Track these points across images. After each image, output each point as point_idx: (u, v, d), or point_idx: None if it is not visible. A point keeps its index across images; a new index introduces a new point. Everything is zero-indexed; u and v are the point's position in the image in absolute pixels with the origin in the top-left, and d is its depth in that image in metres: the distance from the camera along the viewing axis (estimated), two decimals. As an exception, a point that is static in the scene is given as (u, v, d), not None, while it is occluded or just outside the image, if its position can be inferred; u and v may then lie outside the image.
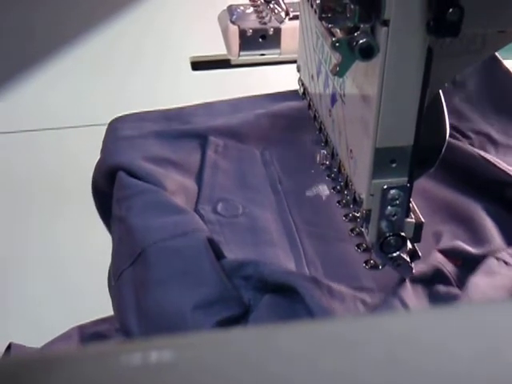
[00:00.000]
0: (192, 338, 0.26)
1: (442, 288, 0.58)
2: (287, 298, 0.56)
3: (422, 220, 0.52)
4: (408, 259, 0.54)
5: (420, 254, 0.56)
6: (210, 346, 0.25)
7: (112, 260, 0.66)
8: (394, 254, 0.53)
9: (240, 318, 0.56)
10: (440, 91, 0.51)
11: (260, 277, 0.58)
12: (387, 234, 0.51)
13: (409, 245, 0.53)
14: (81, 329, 0.82)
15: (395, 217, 0.51)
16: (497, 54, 0.75)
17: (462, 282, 0.58)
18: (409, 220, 0.52)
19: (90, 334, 0.81)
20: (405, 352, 0.25)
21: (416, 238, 0.53)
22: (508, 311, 0.28)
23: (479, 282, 0.57)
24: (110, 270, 0.67)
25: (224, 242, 0.64)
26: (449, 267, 0.60)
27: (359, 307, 0.57)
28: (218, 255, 0.60)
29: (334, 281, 0.58)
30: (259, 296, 0.57)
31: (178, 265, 0.59)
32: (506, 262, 0.59)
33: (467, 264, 0.60)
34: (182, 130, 0.75)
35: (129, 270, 0.61)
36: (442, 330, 0.26)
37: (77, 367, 0.24)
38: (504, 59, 0.79)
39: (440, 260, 0.60)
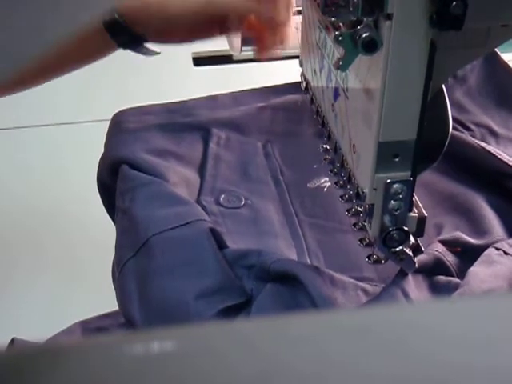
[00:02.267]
0: (194, 328, 0.26)
1: (442, 278, 0.58)
2: (289, 287, 0.57)
3: (425, 214, 0.52)
4: (411, 253, 0.54)
5: (423, 247, 0.56)
6: (211, 336, 0.25)
7: (116, 251, 0.66)
8: (397, 249, 0.53)
9: (242, 307, 0.57)
10: (443, 86, 0.51)
11: (262, 266, 0.58)
12: (390, 229, 0.51)
13: (412, 239, 0.53)
14: (83, 324, 0.82)
15: (398, 211, 0.51)
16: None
17: (462, 272, 0.58)
18: (412, 214, 0.52)
19: (93, 329, 0.81)
20: (412, 341, 0.25)
21: (419, 233, 0.53)
22: (509, 303, 0.28)
23: (478, 271, 0.57)
24: (113, 262, 0.67)
25: (226, 233, 0.64)
26: (449, 257, 0.60)
27: (361, 296, 0.57)
28: (221, 245, 0.61)
29: (336, 271, 0.59)
30: (261, 285, 0.58)
31: (180, 254, 0.59)
32: (505, 252, 0.59)
33: (468, 254, 0.60)
34: (185, 122, 0.76)
35: (132, 260, 0.62)
36: (447, 320, 0.26)
37: (80, 358, 0.24)
38: (502, 52, 0.79)
39: (441, 250, 0.60)
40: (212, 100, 0.80)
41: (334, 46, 0.55)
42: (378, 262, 0.57)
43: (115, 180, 0.70)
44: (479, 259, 0.59)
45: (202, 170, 0.71)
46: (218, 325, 0.26)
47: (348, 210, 0.59)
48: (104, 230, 0.76)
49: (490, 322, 0.26)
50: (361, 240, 0.58)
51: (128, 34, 0.64)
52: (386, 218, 0.51)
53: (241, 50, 0.81)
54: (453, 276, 0.59)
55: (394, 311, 0.27)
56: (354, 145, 0.54)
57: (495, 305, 0.27)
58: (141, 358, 0.23)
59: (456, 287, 0.56)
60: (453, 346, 0.25)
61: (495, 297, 0.29)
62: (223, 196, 0.69)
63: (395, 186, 0.50)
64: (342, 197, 0.61)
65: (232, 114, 0.77)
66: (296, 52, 0.71)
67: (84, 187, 0.90)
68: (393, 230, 0.51)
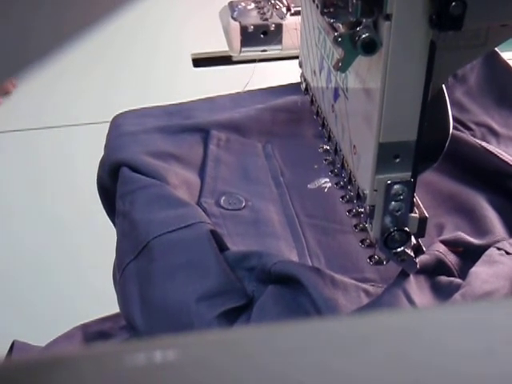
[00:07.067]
0: (196, 337, 0.26)
1: (444, 278, 0.58)
2: (291, 289, 0.57)
3: (426, 215, 0.52)
4: (412, 254, 0.54)
5: (424, 248, 0.55)
6: (214, 346, 0.25)
7: (116, 254, 0.66)
8: (399, 250, 0.53)
9: (243, 309, 0.56)
10: (443, 86, 0.51)
11: (263, 268, 0.58)
12: (391, 230, 0.51)
13: (413, 240, 0.53)
14: (84, 327, 0.82)
15: (399, 212, 0.51)
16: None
17: (464, 273, 0.58)
18: (413, 215, 0.52)
19: (94, 332, 0.81)
20: (408, 349, 0.25)
21: (420, 233, 0.53)
22: (509, 309, 0.28)
23: (480, 271, 0.57)
24: (114, 265, 0.67)
25: (227, 235, 0.64)
26: (451, 258, 0.60)
27: (362, 298, 0.57)
28: (222, 247, 0.61)
29: (337, 272, 0.58)
30: (263, 287, 0.57)
31: (181, 257, 0.59)
32: (507, 252, 0.59)
33: (469, 255, 0.60)
34: (184, 124, 0.75)
35: (133, 263, 0.62)
36: (445, 328, 0.26)
37: (80, 368, 0.24)
38: (502, 51, 0.79)
39: (442, 251, 0.60)
40: (211, 101, 0.80)
41: (333, 47, 0.55)
42: (379, 263, 0.57)
43: (115, 183, 0.70)
44: (481, 259, 0.58)
45: (202, 172, 0.71)
46: (221, 334, 0.26)
47: (349, 211, 0.59)
48: (105, 233, 0.76)
49: (490, 330, 0.26)
50: (362, 241, 0.57)
51: None
52: (387, 219, 0.51)
53: (240, 51, 0.81)
54: (454, 276, 0.59)
55: (394, 319, 0.27)
56: (354, 146, 0.54)
57: (495, 312, 0.27)
58: (143, 367, 0.23)
59: (458, 288, 0.56)
60: (453, 355, 0.24)
61: (495, 303, 0.29)
62: (224, 198, 0.68)
63: (396, 186, 0.50)
64: (342, 198, 0.61)
65: (232, 115, 0.77)
66: (295, 53, 0.71)
67: (83, 190, 0.90)
68: (394, 230, 0.51)
